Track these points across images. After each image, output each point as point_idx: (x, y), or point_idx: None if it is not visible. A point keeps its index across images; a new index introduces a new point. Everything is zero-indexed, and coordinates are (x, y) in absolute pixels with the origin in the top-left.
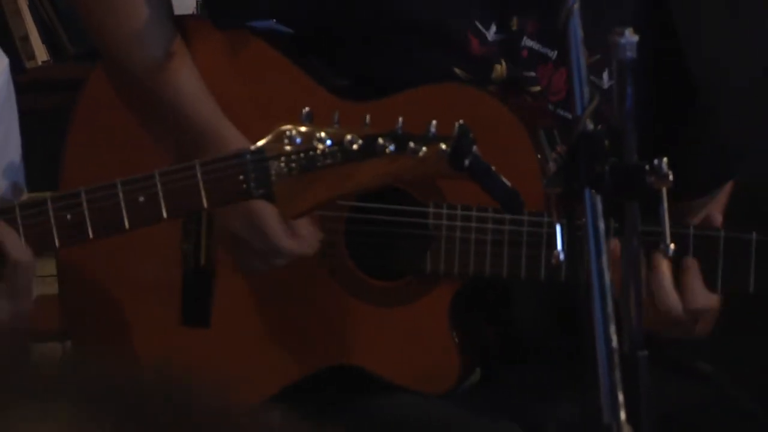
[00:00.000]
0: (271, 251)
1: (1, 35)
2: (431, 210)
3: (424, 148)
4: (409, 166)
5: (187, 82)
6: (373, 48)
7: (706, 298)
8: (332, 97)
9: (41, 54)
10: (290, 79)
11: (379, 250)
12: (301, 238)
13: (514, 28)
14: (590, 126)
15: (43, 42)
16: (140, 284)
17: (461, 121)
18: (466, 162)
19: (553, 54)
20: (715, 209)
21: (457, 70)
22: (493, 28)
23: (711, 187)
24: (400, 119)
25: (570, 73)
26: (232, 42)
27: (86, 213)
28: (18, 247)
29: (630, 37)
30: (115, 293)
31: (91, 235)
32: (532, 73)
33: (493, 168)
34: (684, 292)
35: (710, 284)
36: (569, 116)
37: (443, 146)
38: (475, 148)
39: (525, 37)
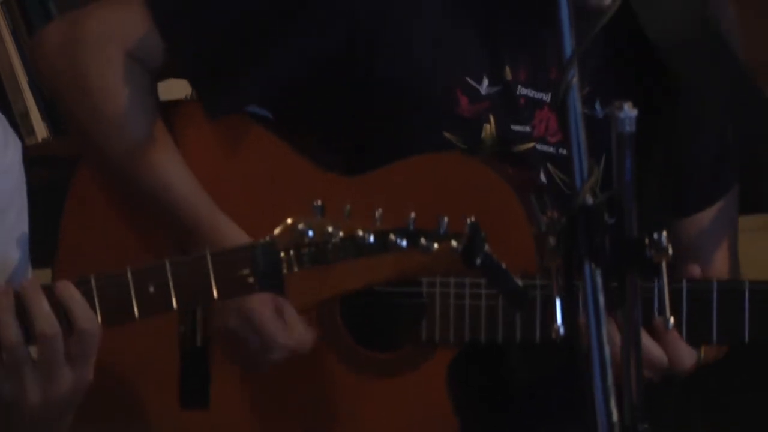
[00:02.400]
0: (266, 347)
1: (1, 111)
2: (425, 278)
3: (435, 245)
4: (421, 263)
5: (175, 175)
6: (363, 119)
7: (691, 357)
8: (326, 173)
9: (41, 131)
10: (282, 158)
11: (375, 320)
12: (296, 334)
13: (509, 78)
14: (590, 200)
15: (43, 120)
16: (137, 366)
17: (473, 219)
18: (478, 260)
19: (547, 97)
20: (715, 254)
21: (446, 134)
22: (486, 81)
23: (712, 198)
24: (412, 214)
25: (570, 148)
26: (223, 124)
27: (96, 300)
28: (87, 315)
29: (629, 111)
30: (112, 375)
31: (100, 322)
32: (520, 127)
33: (504, 266)
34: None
35: (705, 336)
36: None
37: (454, 243)
38: (486, 246)
39: (519, 86)
